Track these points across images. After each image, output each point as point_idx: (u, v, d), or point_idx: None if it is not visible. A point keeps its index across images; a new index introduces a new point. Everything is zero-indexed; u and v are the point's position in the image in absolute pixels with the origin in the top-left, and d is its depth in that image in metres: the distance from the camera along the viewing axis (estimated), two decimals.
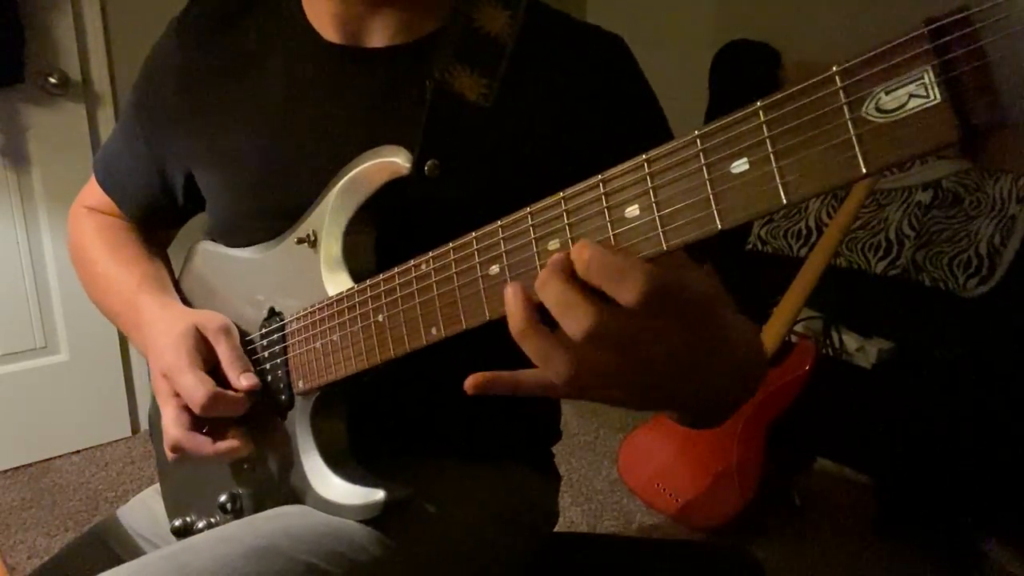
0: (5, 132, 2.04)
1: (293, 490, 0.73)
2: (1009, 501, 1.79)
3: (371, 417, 0.74)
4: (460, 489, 0.78)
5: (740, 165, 0.38)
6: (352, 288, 0.65)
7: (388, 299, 0.61)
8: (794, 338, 2.02)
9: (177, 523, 0.83)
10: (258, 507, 0.76)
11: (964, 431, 1.81)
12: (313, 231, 0.70)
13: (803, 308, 1.99)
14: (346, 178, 0.68)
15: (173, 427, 0.72)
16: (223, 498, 0.78)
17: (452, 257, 0.55)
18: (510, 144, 0.73)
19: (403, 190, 0.65)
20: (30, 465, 2.25)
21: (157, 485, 0.95)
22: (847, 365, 2.04)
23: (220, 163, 0.80)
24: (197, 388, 0.70)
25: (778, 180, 0.36)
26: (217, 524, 0.80)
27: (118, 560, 0.84)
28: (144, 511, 0.92)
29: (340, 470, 0.70)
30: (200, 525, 0.81)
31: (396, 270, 0.60)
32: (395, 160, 0.64)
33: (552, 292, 0.44)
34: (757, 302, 2.13)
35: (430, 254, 0.57)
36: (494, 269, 0.52)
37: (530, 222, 0.49)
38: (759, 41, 2.82)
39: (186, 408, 0.72)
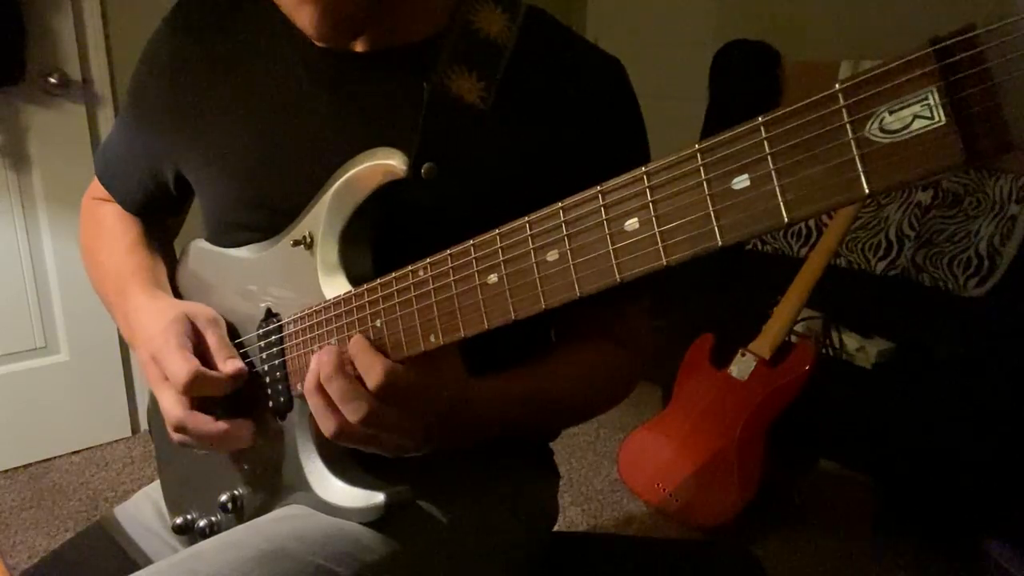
0: (5, 132, 2.04)
1: (294, 491, 0.73)
2: (1009, 501, 1.79)
3: None
4: (462, 486, 0.78)
5: (741, 181, 0.37)
6: (350, 292, 0.64)
7: (386, 304, 0.60)
8: (794, 338, 2.02)
9: (179, 521, 0.83)
10: (259, 507, 0.76)
11: (964, 431, 1.81)
12: (309, 233, 0.69)
13: (803, 308, 2.00)
14: (341, 180, 0.67)
15: (174, 408, 0.72)
16: (224, 498, 0.78)
17: (450, 265, 0.55)
18: (507, 148, 0.73)
19: (400, 193, 0.65)
20: (30, 465, 2.25)
21: (147, 488, 0.95)
22: (847, 365, 2.04)
23: (211, 161, 0.80)
24: (181, 367, 0.70)
25: (780, 198, 0.35)
26: (218, 523, 0.80)
27: (122, 553, 0.85)
28: (148, 504, 0.92)
29: (340, 472, 0.70)
30: (201, 524, 0.81)
31: (394, 275, 0.60)
32: (391, 162, 0.63)
33: (335, 386, 0.59)
34: (757, 302, 2.13)
35: (427, 261, 0.57)
36: (492, 278, 0.52)
37: (528, 232, 0.49)
38: (759, 41, 2.81)
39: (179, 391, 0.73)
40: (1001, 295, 2.09)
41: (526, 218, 0.49)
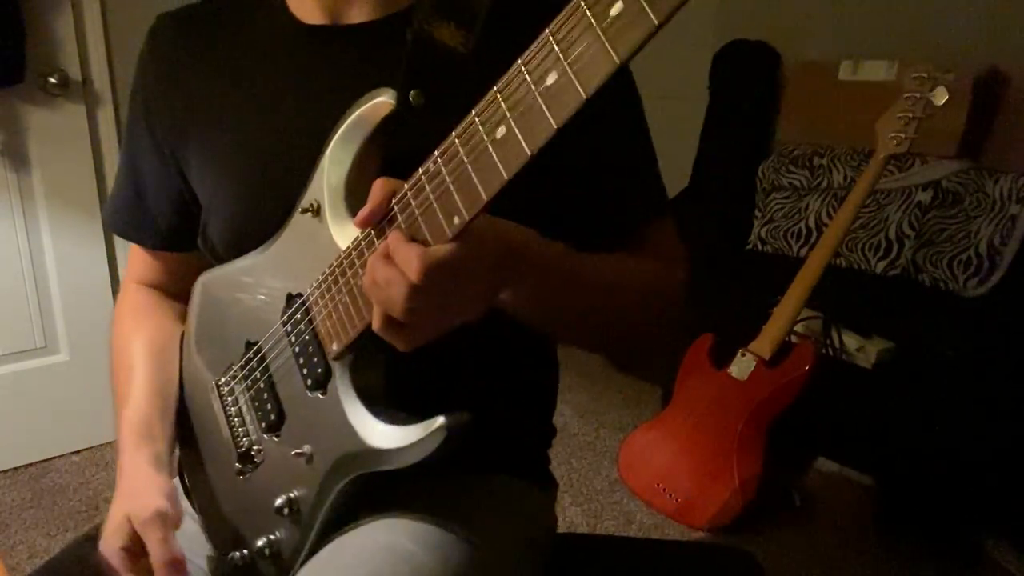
0: (5, 132, 2.04)
1: (352, 458, 0.72)
2: (1009, 501, 1.79)
3: None
4: (463, 507, 0.79)
5: (617, 7, 0.45)
6: (367, 231, 0.65)
7: (404, 213, 0.61)
8: (794, 338, 2.02)
9: (230, 560, 0.82)
10: (317, 501, 0.75)
11: (964, 431, 1.81)
12: (315, 200, 0.71)
13: (803, 308, 2.00)
14: (336, 135, 0.69)
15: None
16: (279, 502, 0.77)
17: (458, 144, 0.56)
18: (489, 85, 0.75)
19: (394, 128, 0.67)
20: (30, 465, 2.25)
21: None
22: (847, 365, 2.04)
23: (214, 164, 0.81)
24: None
25: (648, 9, 0.44)
26: (277, 539, 0.79)
27: None
28: None
29: (390, 420, 0.69)
30: (259, 544, 0.80)
31: (406, 186, 0.61)
32: (380, 99, 0.66)
33: (381, 274, 0.59)
34: (757, 302, 2.13)
35: (435, 153, 0.58)
36: (501, 131, 0.54)
37: (524, 69, 0.52)
38: (759, 41, 2.82)
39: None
40: (1001, 295, 2.09)
41: (519, 60, 0.53)
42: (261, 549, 0.79)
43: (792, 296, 1.99)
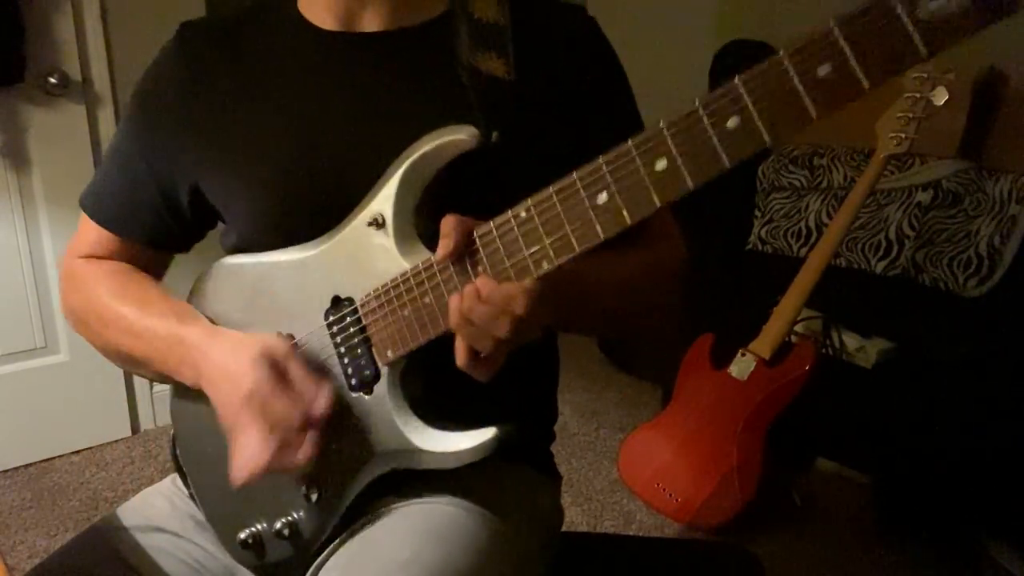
0: (5, 132, 2.04)
1: (392, 457, 0.75)
2: (1009, 501, 1.79)
3: None
4: (475, 498, 0.80)
5: (824, 69, 0.49)
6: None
7: (487, 249, 0.65)
8: (794, 338, 2.02)
9: (243, 535, 0.82)
10: (347, 486, 0.77)
11: (964, 431, 1.81)
12: (380, 214, 0.73)
13: (803, 308, 2.00)
14: (411, 160, 0.71)
15: (262, 452, 0.71)
16: (306, 488, 0.79)
17: (555, 198, 0.61)
18: (539, 107, 0.80)
19: (467, 163, 0.70)
20: (30, 465, 2.25)
21: (158, 485, 0.95)
22: (847, 365, 2.04)
23: (238, 166, 0.82)
24: (316, 394, 0.72)
25: (859, 73, 0.48)
26: (297, 520, 0.80)
27: (119, 557, 0.84)
28: (160, 499, 0.92)
29: (440, 426, 0.73)
30: (277, 526, 0.81)
31: (492, 225, 0.65)
32: (462, 137, 0.69)
33: (478, 314, 0.63)
34: (757, 302, 2.13)
35: (528, 201, 0.63)
36: (602, 197, 0.59)
37: (635, 151, 0.57)
38: (759, 41, 2.81)
39: (273, 428, 0.72)
40: (1001, 295, 2.09)
41: (630, 141, 0.57)
42: (280, 530, 0.81)
43: (792, 296, 1.99)
